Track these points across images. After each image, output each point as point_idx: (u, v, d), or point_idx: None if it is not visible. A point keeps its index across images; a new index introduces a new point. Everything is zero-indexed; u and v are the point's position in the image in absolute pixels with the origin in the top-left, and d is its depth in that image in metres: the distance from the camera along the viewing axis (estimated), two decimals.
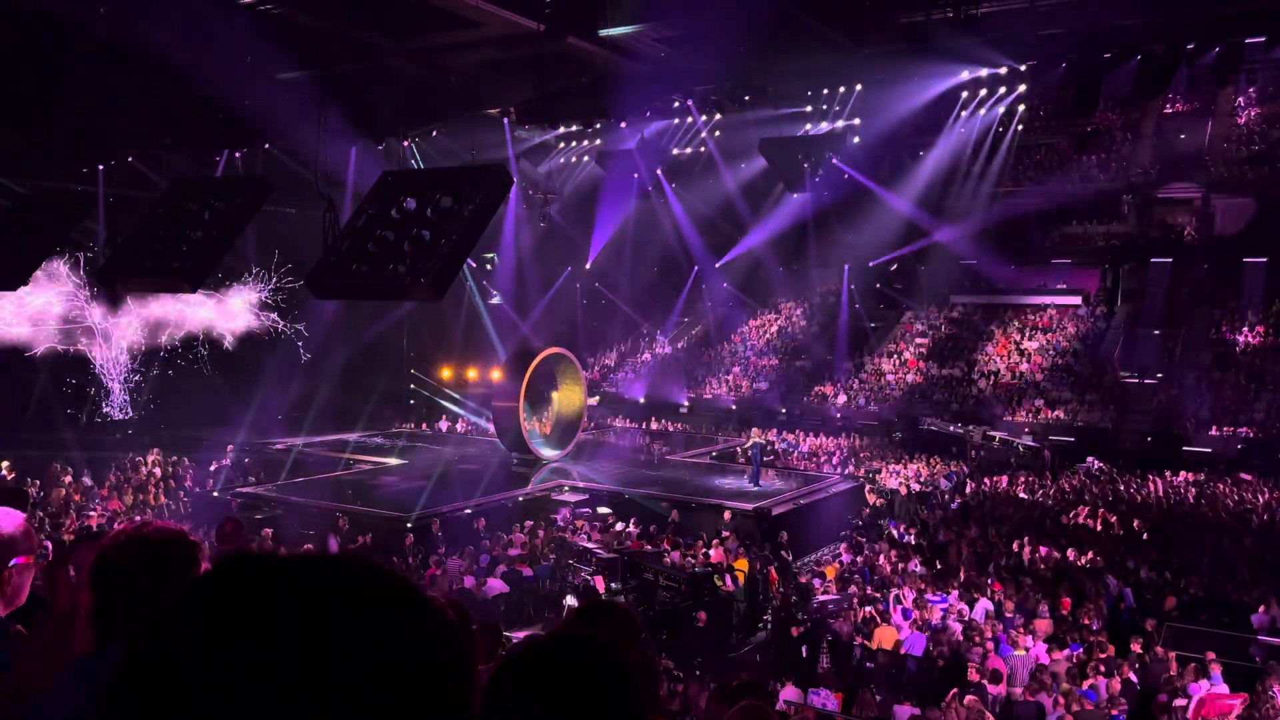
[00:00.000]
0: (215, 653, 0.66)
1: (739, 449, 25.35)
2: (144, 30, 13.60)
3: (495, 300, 34.05)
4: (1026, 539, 17.06)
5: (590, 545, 16.43)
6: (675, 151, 24.98)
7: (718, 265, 37.36)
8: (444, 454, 25.05)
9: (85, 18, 13.53)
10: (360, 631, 0.69)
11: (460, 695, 0.73)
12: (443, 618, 0.75)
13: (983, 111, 22.74)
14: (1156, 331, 31.98)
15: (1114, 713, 10.17)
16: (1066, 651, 12.06)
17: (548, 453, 24.02)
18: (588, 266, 36.24)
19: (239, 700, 0.64)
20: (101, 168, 21.53)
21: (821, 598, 14.62)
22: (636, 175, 25.57)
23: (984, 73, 16.67)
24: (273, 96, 16.61)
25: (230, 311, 27.39)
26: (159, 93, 16.31)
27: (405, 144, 21.27)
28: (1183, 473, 24.00)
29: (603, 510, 19.05)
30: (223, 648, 0.66)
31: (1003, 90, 18.56)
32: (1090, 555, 16.14)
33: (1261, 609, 13.30)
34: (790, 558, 17.07)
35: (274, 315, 28.26)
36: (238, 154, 20.57)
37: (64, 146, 19.59)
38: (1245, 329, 30.55)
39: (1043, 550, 16.47)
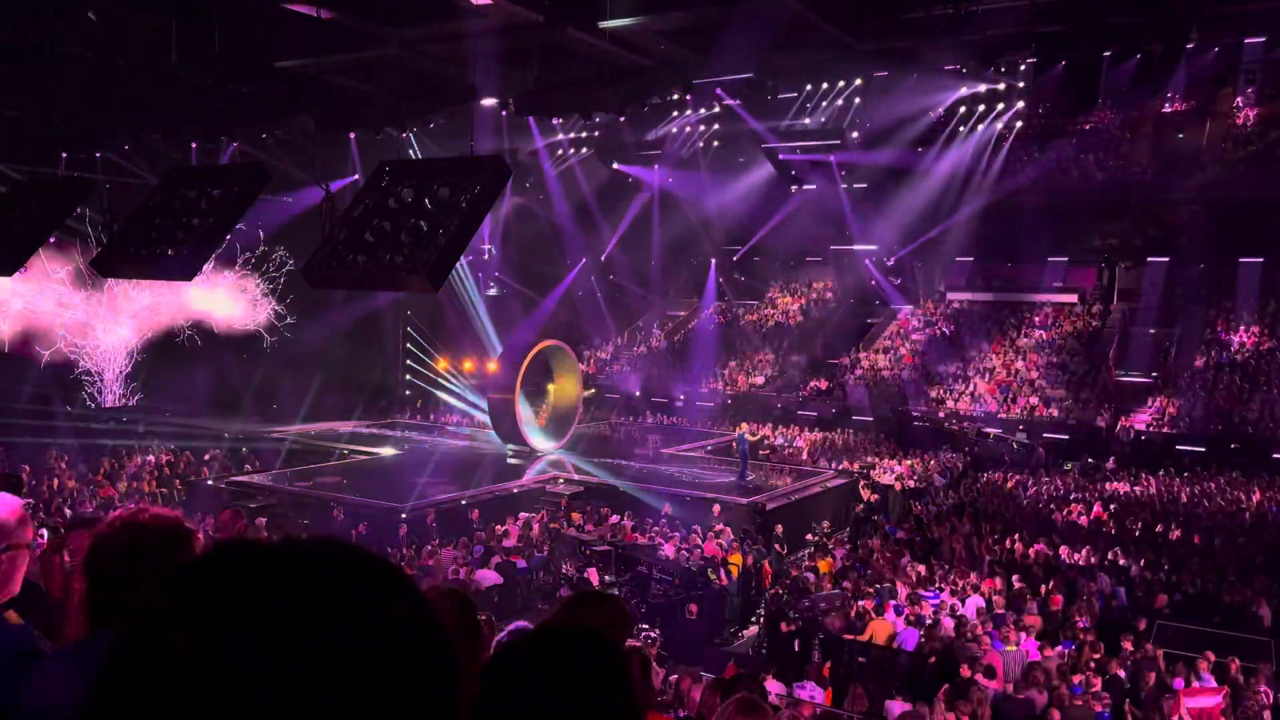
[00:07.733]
0: (206, 641, 0.66)
1: (733, 443, 25.37)
2: (139, 15, 13.55)
3: (493, 291, 34.01)
4: (1019, 535, 17.10)
5: (584, 537, 16.43)
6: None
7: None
8: (439, 445, 25.04)
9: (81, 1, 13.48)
10: (351, 619, 0.69)
11: (444, 682, 0.74)
12: (427, 605, 0.75)
13: (981, 107, 22.72)
14: (1152, 331, 32.04)
15: (1099, 709, 10.20)
16: (1058, 649, 12.10)
17: (543, 444, 24.00)
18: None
19: (229, 689, 0.65)
20: (99, 155, 21.42)
21: (814, 593, 14.63)
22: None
23: (982, 74, 16.68)
24: (272, 84, 16.57)
25: (225, 300, 27.31)
26: (155, 78, 16.25)
27: (404, 135, 21.19)
28: (1175, 471, 24.07)
29: (597, 503, 19.04)
30: (213, 636, 0.67)
31: (1002, 86, 18.55)
32: (1082, 552, 16.21)
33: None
34: (785, 552, 17.10)
35: (269, 304, 28.19)
36: (235, 142, 20.46)
37: (60, 132, 19.51)
38: (1240, 329, 30.61)
39: (1035, 547, 16.52)
